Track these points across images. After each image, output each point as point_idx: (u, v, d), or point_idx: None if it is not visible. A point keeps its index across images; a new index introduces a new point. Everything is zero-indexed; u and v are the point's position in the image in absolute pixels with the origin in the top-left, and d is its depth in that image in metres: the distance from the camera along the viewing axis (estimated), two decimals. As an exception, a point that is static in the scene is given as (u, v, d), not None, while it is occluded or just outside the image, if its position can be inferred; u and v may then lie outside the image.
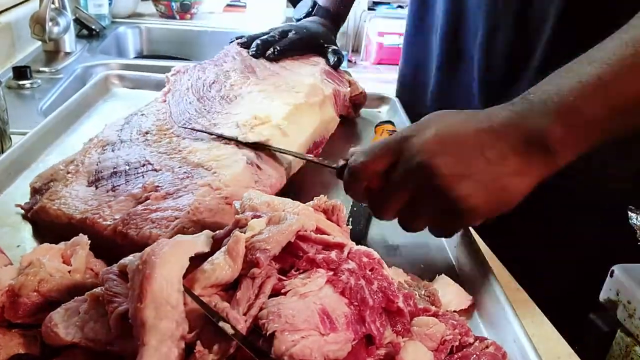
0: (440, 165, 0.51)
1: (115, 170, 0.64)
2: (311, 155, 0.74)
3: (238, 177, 0.63)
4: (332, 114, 0.86)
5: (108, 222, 0.57)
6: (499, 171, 0.51)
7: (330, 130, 0.86)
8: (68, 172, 0.65)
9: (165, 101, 0.82)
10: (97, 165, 0.66)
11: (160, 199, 0.59)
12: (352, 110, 1.01)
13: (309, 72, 0.92)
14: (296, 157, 0.72)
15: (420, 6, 1.04)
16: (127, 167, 0.64)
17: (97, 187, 0.63)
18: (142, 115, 0.77)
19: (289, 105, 0.78)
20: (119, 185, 0.62)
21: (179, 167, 0.64)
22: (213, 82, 0.85)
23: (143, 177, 0.63)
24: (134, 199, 0.60)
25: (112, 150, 0.69)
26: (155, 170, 0.64)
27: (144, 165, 0.65)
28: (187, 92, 0.83)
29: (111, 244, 0.56)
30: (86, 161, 0.67)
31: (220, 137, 0.70)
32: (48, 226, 0.61)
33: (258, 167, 0.67)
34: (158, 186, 0.61)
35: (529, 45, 0.84)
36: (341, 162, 0.61)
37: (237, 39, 1.01)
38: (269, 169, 0.68)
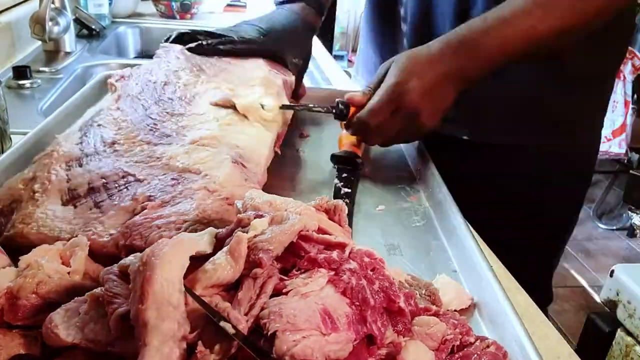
0: (424, 112, 0.77)
1: (91, 186, 0.61)
2: (318, 106, 0.85)
3: (230, 177, 0.62)
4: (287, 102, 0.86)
5: (105, 239, 0.55)
6: (447, 103, 0.79)
7: (287, 121, 0.86)
8: (34, 192, 0.61)
9: (118, 109, 0.77)
10: (67, 182, 0.62)
11: (157, 207, 0.57)
12: (295, 102, 0.98)
13: (254, 65, 0.91)
14: (312, 110, 0.86)
15: None
16: (105, 181, 0.61)
17: (76, 207, 0.59)
18: (100, 125, 0.72)
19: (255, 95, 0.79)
20: (102, 201, 0.59)
21: (164, 174, 0.62)
22: (165, 84, 0.82)
23: (127, 189, 0.60)
24: (127, 212, 0.57)
25: (80, 166, 0.64)
26: (139, 180, 0.61)
27: (123, 177, 0.62)
28: (140, 96, 0.79)
29: (109, 260, 0.53)
30: (53, 179, 0.62)
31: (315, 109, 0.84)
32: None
33: (243, 165, 0.66)
34: (151, 196, 0.59)
35: None
36: (335, 104, 0.82)
37: (169, 39, 0.94)
38: (253, 166, 0.68)
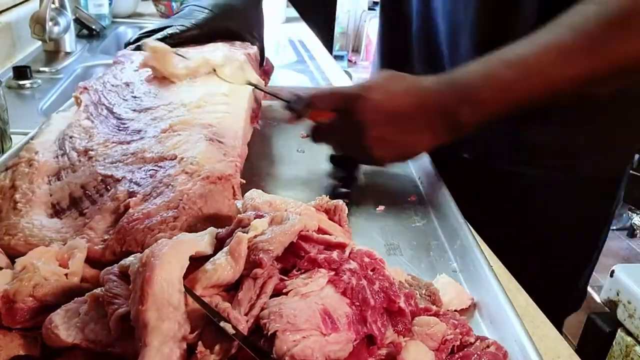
0: (372, 129, 0.67)
1: (73, 197, 0.60)
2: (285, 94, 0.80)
3: (206, 154, 0.61)
4: (257, 76, 0.86)
5: (101, 246, 0.54)
6: (412, 141, 0.69)
7: (260, 97, 0.86)
8: (16, 202, 0.59)
9: (87, 118, 0.75)
10: (50, 197, 0.61)
11: (140, 203, 0.56)
12: (266, 79, 0.99)
13: (213, 48, 0.90)
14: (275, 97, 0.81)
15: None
16: (84, 189, 0.61)
17: (61, 219, 0.59)
18: (72, 137, 0.70)
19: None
20: (86, 209, 0.59)
21: (140, 167, 0.61)
22: (128, 84, 0.81)
23: (107, 190, 0.60)
24: (111, 213, 0.57)
25: (58, 179, 0.63)
26: (117, 180, 0.60)
27: (101, 180, 0.61)
28: (105, 102, 0.78)
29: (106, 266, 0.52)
30: (37, 191, 0.61)
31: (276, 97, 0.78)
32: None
33: (219, 141, 0.66)
34: (132, 192, 0.58)
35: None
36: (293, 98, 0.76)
37: (129, 44, 0.93)
38: (230, 140, 0.67)
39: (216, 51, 0.87)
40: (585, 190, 0.88)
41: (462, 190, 0.76)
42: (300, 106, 0.73)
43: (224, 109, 0.73)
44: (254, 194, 0.52)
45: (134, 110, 0.74)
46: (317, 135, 0.75)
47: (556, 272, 0.92)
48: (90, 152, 0.66)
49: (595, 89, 0.66)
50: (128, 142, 0.67)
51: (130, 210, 0.55)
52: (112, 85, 0.82)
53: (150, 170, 0.61)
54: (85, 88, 0.82)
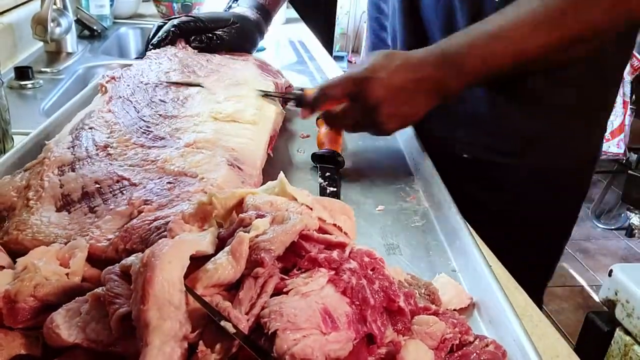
0: (384, 106, 0.75)
1: (85, 191, 0.61)
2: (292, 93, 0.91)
3: (227, 179, 0.62)
4: (279, 107, 0.87)
5: (104, 244, 0.54)
6: (414, 111, 0.77)
7: (279, 123, 0.87)
8: (28, 199, 0.60)
9: (110, 111, 0.77)
10: (60, 188, 0.62)
11: (154, 211, 0.57)
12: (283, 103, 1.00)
13: (243, 66, 0.94)
14: (281, 97, 0.89)
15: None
16: (98, 186, 0.61)
17: (70, 212, 0.59)
18: (91, 129, 0.71)
19: (251, 98, 0.81)
20: (97, 206, 0.59)
21: (159, 178, 0.62)
22: (156, 86, 0.83)
23: (122, 193, 0.60)
24: (123, 217, 0.57)
25: (73, 170, 0.64)
26: (134, 185, 0.61)
27: (118, 181, 0.61)
28: (132, 98, 0.79)
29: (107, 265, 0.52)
30: (46, 185, 0.62)
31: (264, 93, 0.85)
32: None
33: (239, 168, 0.66)
34: (147, 200, 0.58)
35: None
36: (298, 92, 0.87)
37: (152, 46, 1.06)
38: (249, 168, 0.68)
39: (246, 71, 0.90)
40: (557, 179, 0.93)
41: (462, 190, 0.76)
42: (314, 101, 0.80)
43: (249, 135, 0.74)
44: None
45: (160, 115, 0.75)
46: (333, 121, 0.82)
47: (536, 257, 0.97)
48: (109, 148, 0.67)
49: (560, 56, 0.76)
50: (149, 147, 0.68)
51: (143, 214, 0.56)
52: (141, 83, 0.83)
53: (169, 182, 0.61)
54: (113, 78, 0.83)
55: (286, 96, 0.88)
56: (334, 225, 0.52)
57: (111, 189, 0.61)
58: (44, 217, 0.58)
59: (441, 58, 0.75)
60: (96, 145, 0.68)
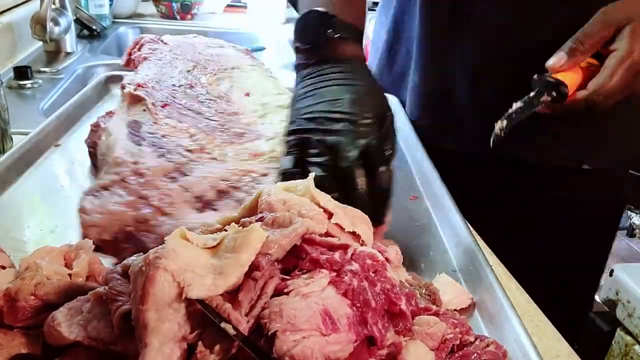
0: None
1: (218, 189, 0.61)
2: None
3: None
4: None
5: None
6: None
7: None
8: (159, 208, 0.59)
9: (168, 117, 0.74)
10: (186, 192, 0.61)
11: None
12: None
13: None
14: None
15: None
16: (229, 183, 0.62)
17: (216, 210, 0.60)
18: (165, 136, 0.69)
19: None
20: (241, 200, 0.60)
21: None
22: (191, 86, 0.82)
23: (259, 183, 0.62)
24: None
25: (184, 175, 0.63)
26: (264, 174, 0.63)
27: (243, 175, 0.63)
28: (179, 102, 0.77)
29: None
30: (171, 191, 0.61)
31: None
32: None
33: None
34: None
35: None
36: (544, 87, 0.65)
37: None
38: None
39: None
40: (592, 186, 0.88)
41: (462, 190, 0.76)
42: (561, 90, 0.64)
43: None
44: (272, 189, 0.51)
45: (222, 113, 0.76)
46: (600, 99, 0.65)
47: (559, 273, 0.92)
48: (205, 150, 0.67)
49: None
50: (240, 143, 0.70)
51: None
52: (173, 85, 0.82)
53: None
54: (140, 85, 0.81)
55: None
56: (353, 233, 0.51)
57: (244, 183, 0.62)
58: (194, 218, 0.58)
59: None
60: (189, 150, 0.67)
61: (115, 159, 0.66)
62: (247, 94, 0.81)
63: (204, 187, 0.61)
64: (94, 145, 0.75)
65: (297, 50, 0.68)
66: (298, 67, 0.68)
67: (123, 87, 0.81)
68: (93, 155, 0.76)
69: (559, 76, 0.64)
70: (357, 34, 0.69)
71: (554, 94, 0.62)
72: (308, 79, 0.64)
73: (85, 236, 0.58)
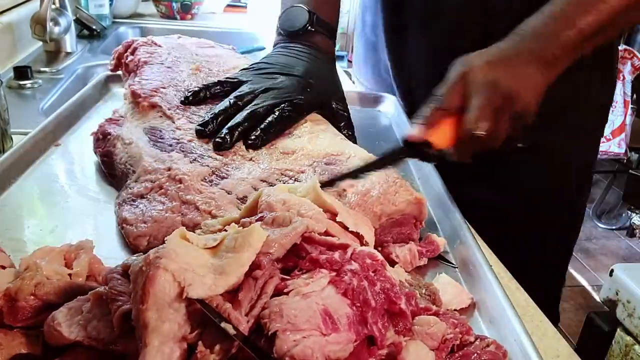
0: (519, 93, 0.63)
1: (256, 189, 0.61)
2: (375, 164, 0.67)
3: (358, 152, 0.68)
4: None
5: None
6: (538, 85, 0.66)
7: None
8: (208, 211, 0.59)
9: (191, 122, 0.73)
10: (229, 194, 0.62)
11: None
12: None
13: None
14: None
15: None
16: (267, 182, 0.63)
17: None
18: (191, 141, 0.69)
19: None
20: None
21: (314, 161, 0.66)
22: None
23: (298, 180, 0.63)
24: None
25: (222, 177, 0.64)
26: (302, 172, 0.64)
27: (282, 174, 0.64)
28: (189, 111, 0.75)
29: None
30: (215, 195, 0.61)
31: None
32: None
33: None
34: None
35: None
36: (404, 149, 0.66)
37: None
38: None
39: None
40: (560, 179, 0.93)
41: (462, 190, 0.76)
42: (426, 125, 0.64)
43: None
44: (271, 190, 0.52)
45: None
46: (463, 152, 0.67)
47: (547, 265, 0.97)
48: (239, 152, 0.68)
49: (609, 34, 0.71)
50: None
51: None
52: (180, 84, 0.82)
53: (328, 163, 0.66)
54: (156, 90, 0.79)
55: (369, 169, 0.65)
56: (356, 233, 0.51)
57: (282, 181, 0.63)
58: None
59: (533, 34, 0.68)
60: (222, 154, 0.68)
61: (145, 167, 0.66)
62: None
63: (246, 187, 0.62)
64: (109, 154, 0.73)
65: (279, 33, 0.87)
66: (275, 45, 0.87)
67: (134, 94, 0.79)
68: (108, 164, 0.74)
69: (429, 134, 0.64)
70: (333, 32, 0.88)
71: (422, 154, 0.66)
72: (279, 47, 0.85)
73: (134, 247, 0.59)
